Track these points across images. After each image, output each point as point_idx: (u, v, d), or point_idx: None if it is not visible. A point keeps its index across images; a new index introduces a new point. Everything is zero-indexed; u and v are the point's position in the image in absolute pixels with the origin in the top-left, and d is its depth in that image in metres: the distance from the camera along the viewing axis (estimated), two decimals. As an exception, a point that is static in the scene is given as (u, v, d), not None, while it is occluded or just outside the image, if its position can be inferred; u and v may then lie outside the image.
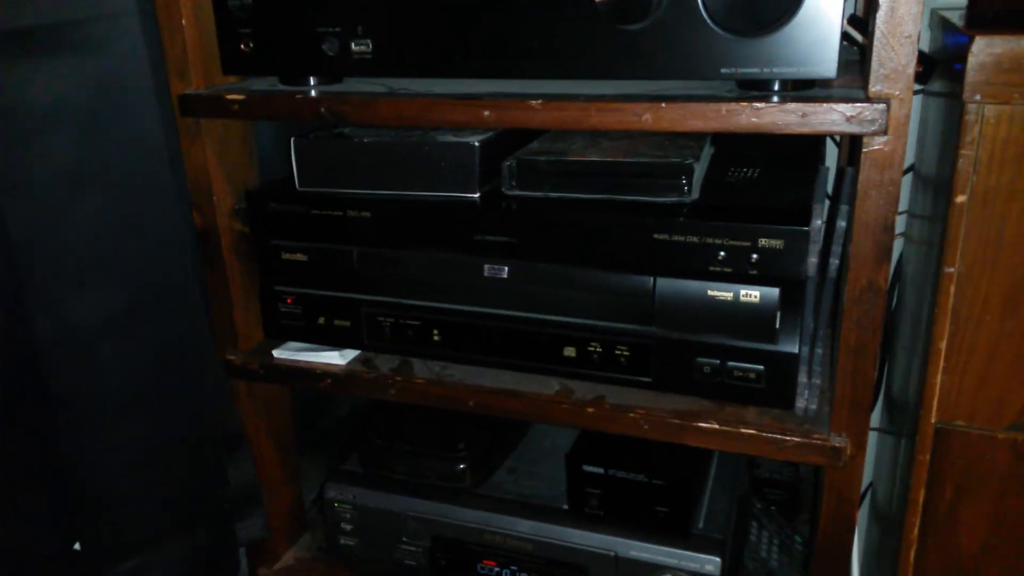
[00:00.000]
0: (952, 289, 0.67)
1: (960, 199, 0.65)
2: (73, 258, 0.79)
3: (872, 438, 1.01)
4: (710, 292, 0.75)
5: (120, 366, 0.84)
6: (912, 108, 0.64)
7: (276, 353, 0.94)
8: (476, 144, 0.82)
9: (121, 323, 0.83)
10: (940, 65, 0.79)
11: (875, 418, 1.09)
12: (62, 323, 0.79)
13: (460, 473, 0.96)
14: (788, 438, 0.75)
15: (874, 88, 0.64)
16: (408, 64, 0.78)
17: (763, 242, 0.72)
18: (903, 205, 1.02)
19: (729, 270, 0.74)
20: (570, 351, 0.82)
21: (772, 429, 0.75)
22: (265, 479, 1.02)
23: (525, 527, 0.94)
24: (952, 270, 0.66)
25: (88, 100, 0.77)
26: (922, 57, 0.65)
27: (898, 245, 1.02)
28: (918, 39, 0.62)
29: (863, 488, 1.09)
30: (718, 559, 0.86)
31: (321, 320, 0.91)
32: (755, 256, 0.73)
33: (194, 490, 0.93)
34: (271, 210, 0.89)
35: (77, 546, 0.84)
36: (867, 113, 0.64)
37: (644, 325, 0.78)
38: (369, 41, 0.78)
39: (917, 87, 0.64)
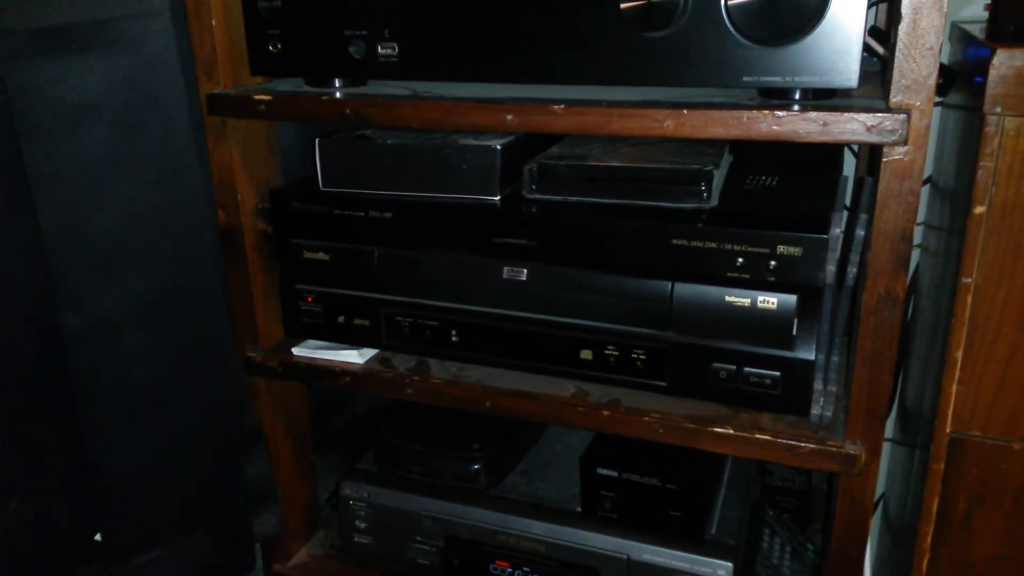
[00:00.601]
0: (969, 300, 0.67)
1: (979, 210, 0.65)
2: (101, 252, 0.80)
3: (884, 449, 1.01)
4: (727, 298, 0.76)
5: (143, 360, 0.85)
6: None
7: (295, 351, 0.95)
8: (498, 148, 0.83)
9: (146, 317, 0.84)
10: (959, 77, 0.79)
11: (887, 429, 1.09)
12: (88, 316, 0.80)
13: (475, 474, 0.97)
14: (803, 444, 0.75)
15: (895, 99, 0.65)
16: (432, 67, 0.79)
17: (782, 249, 0.73)
18: (919, 216, 1.02)
19: (747, 276, 0.75)
20: (587, 354, 0.82)
21: (787, 435, 0.76)
22: (281, 476, 1.03)
23: (538, 529, 0.94)
24: (969, 281, 0.67)
25: (120, 97, 0.78)
26: (942, 69, 0.65)
27: (913, 257, 1.03)
28: (940, 51, 0.63)
29: (875, 498, 1.09)
30: (730, 564, 0.87)
31: (341, 319, 0.92)
32: (773, 263, 0.73)
33: (213, 485, 0.94)
34: (294, 209, 0.90)
35: (98, 537, 0.85)
36: (888, 123, 0.64)
37: (661, 329, 0.79)
38: (395, 44, 0.79)
39: (936, 99, 0.65)
